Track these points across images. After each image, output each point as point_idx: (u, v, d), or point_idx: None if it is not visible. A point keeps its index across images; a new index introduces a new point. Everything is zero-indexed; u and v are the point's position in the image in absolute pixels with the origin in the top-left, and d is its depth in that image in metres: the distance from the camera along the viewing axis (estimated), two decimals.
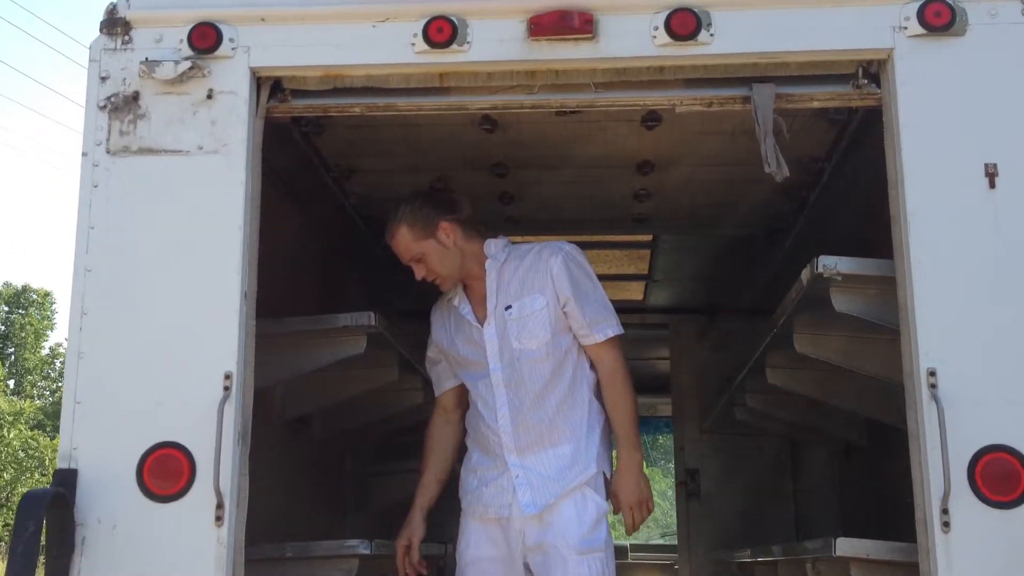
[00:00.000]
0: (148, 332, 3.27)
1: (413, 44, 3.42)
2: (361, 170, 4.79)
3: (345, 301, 6.38)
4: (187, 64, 3.39)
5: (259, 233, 3.42)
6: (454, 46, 3.40)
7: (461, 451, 3.90)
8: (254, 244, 3.41)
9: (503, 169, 4.74)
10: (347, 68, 3.47)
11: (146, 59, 3.41)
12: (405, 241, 3.64)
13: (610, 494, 3.60)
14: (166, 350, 3.26)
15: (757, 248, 5.92)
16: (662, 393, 8.51)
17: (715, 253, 6.44)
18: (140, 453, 3.19)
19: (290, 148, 4.45)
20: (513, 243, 3.79)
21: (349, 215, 5.33)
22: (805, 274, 3.66)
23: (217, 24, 3.43)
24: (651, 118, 4.15)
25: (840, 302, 3.63)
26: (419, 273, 3.67)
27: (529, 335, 3.58)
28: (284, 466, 5.23)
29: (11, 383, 37.41)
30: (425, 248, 3.62)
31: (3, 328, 39.26)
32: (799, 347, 4.29)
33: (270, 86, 3.50)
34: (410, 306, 7.05)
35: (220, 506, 3.14)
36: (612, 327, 3.63)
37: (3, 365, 30.19)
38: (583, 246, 3.85)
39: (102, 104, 3.43)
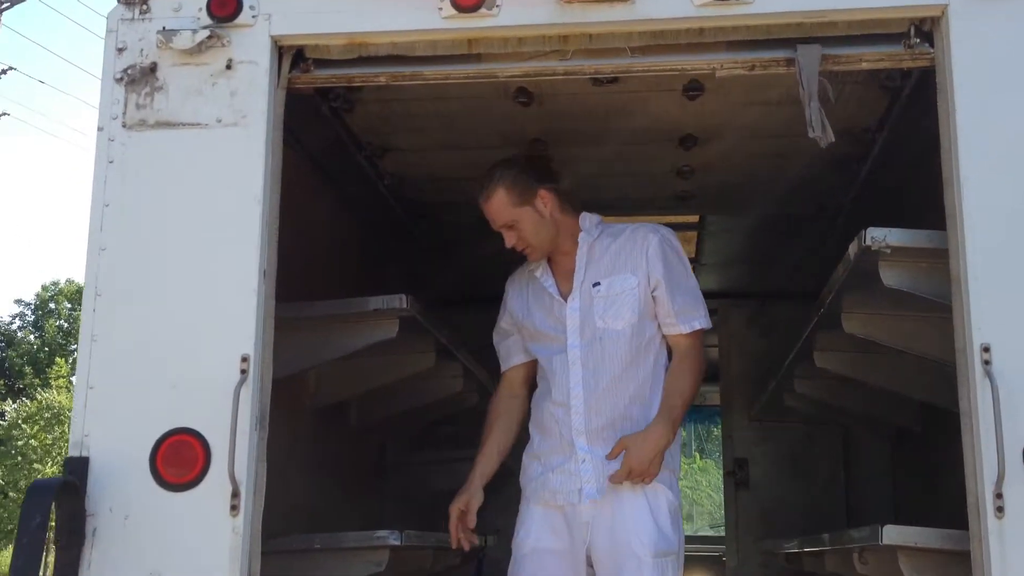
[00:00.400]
0: (163, 313, 3.16)
1: (440, 9, 3.26)
2: (394, 148, 4.65)
3: (382, 286, 6.30)
4: (205, 33, 3.26)
5: (282, 210, 3.29)
6: (483, 10, 3.24)
7: (523, 434, 3.72)
8: (274, 220, 3.28)
9: (541, 145, 4.56)
10: (371, 35, 3.32)
11: (163, 28, 3.29)
12: (501, 205, 3.49)
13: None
14: (181, 332, 3.14)
15: (808, 227, 5.69)
16: (711, 382, 8.29)
17: (764, 234, 6.21)
18: (154, 440, 3.07)
19: (321, 126, 4.33)
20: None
21: (384, 196, 5.19)
22: (853, 248, 3.45)
23: None
24: (693, 87, 3.95)
25: (890, 277, 3.42)
26: (509, 241, 3.52)
27: (615, 314, 3.43)
28: (318, 455, 5.12)
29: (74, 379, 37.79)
30: (520, 215, 3.47)
31: (67, 325, 39.79)
32: (847, 327, 4.08)
33: (292, 56, 3.36)
34: (450, 293, 7.06)
35: (236, 495, 3.01)
36: (700, 319, 3.49)
37: (66, 362, 30.55)
38: None
39: (119, 76, 3.32)
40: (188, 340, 3.13)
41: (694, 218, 6.02)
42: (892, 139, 4.34)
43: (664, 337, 3.49)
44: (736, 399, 7.62)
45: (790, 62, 3.21)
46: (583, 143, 4.52)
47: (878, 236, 3.33)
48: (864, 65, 3.27)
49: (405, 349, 4.90)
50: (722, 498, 8.10)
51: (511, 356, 3.74)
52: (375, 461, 6.33)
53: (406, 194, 5.21)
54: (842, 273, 3.73)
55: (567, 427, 3.43)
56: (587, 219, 3.59)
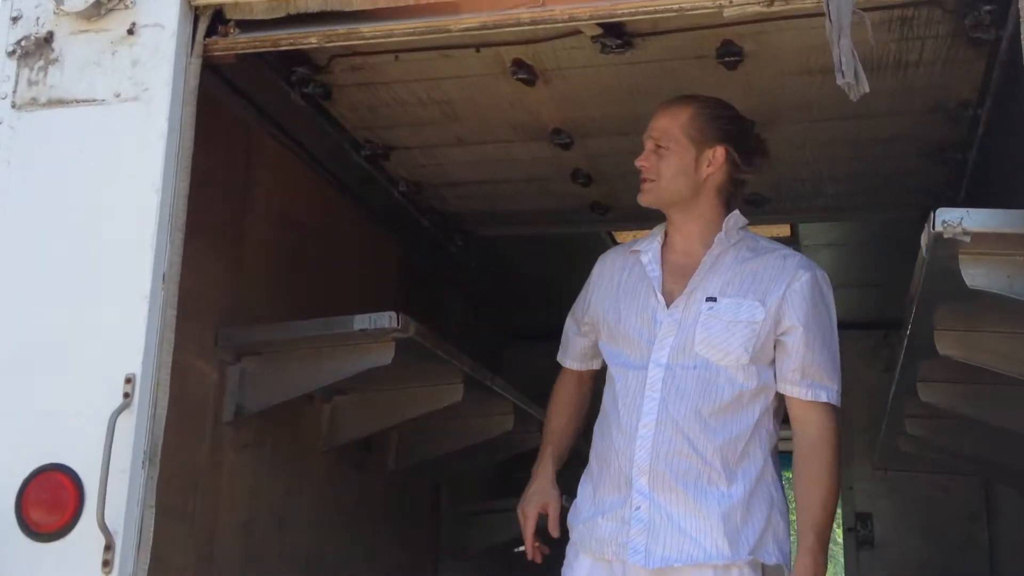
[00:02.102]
0: (41, 325, 2.59)
1: None
2: (397, 146, 4.04)
3: (436, 316, 5.71)
4: None
5: (305, 229, 2.73)
6: None
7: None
8: (180, 213, 2.69)
9: (565, 137, 3.87)
10: None
11: None
12: (676, 121, 2.73)
13: None
14: (60, 348, 2.57)
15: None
16: None
17: (875, 247, 5.33)
18: (20, 479, 2.50)
19: (306, 122, 3.76)
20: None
21: (405, 208, 4.59)
22: (924, 239, 2.61)
23: None
24: (728, 52, 3.20)
25: (974, 275, 2.55)
26: (646, 159, 2.74)
27: (720, 345, 2.63)
28: (342, 501, 4.51)
29: None
30: (680, 145, 2.71)
31: None
32: (942, 349, 3.18)
33: (210, 16, 2.79)
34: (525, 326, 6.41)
35: (108, 547, 2.41)
36: (831, 392, 2.67)
37: None
38: None
39: (11, 49, 2.81)
40: (66, 357, 2.56)
41: (783, 229, 5.19)
42: (1000, 114, 3.45)
43: (780, 403, 2.70)
44: (857, 445, 6.63)
45: None
46: (614, 133, 3.81)
47: (952, 219, 2.47)
48: None
49: (431, 379, 4.28)
50: (842, 558, 7.13)
51: (579, 357, 2.97)
52: (427, 508, 5.68)
53: (430, 204, 4.61)
54: (920, 275, 2.87)
55: (628, 460, 2.62)
56: (733, 219, 2.76)
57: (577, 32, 3.11)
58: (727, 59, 3.21)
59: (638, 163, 2.74)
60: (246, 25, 2.80)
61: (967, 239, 2.47)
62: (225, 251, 3.69)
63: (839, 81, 2.33)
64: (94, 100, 2.72)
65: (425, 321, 3.80)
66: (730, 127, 2.78)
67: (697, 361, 2.61)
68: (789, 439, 2.78)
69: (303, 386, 3.78)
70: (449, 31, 2.68)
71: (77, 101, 2.73)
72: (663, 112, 2.77)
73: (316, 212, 4.25)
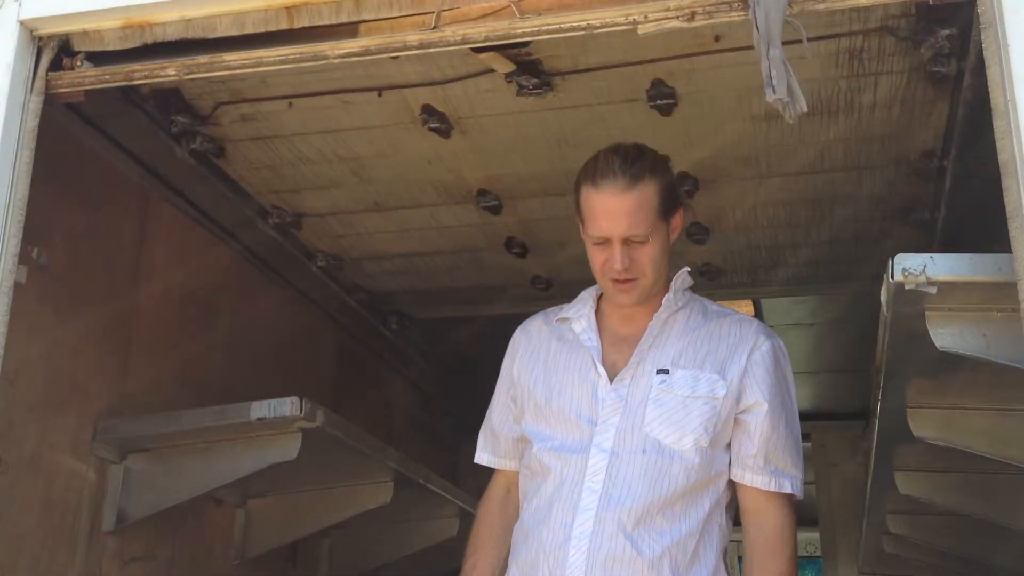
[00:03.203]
0: None
1: None
2: (309, 214, 3.65)
3: (384, 418, 5.26)
4: None
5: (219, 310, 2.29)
6: None
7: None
8: (6, 275, 2.28)
9: (493, 199, 3.49)
10: (154, 10, 2.35)
11: None
12: (646, 204, 2.23)
13: None
14: None
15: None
16: (809, 526, 6.83)
17: (847, 326, 4.93)
18: None
19: (202, 183, 3.38)
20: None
21: (332, 289, 4.19)
22: (883, 293, 2.21)
23: None
24: (660, 93, 2.84)
25: (944, 336, 2.16)
26: (623, 262, 2.22)
27: (676, 425, 2.23)
28: None
29: None
30: (658, 231, 2.26)
31: None
32: (917, 430, 2.77)
33: (54, 48, 2.42)
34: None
35: None
36: (794, 482, 2.29)
37: None
38: None
39: None
40: None
41: (744, 307, 4.79)
42: (968, 165, 3.08)
43: (732, 494, 2.31)
44: (840, 547, 6.17)
45: (744, 4, 2.07)
46: (540, 193, 3.43)
47: (913, 267, 2.09)
48: (864, 0, 2.08)
49: (351, 479, 3.83)
50: None
51: (507, 454, 2.48)
52: None
53: (354, 281, 4.20)
54: (884, 340, 2.47)
55: (559, 566, 2.17)
56: (681, 278, 2.38)
57: (489, 71, 2.76)
58: (660, 102, 2.85)
59: (620, 267, 2.23)
60: (96, 58, 2.43)
61: (933, 290, 2.08)
62: (110, 331, 3.27)
63: (769, 98, 1.96)
64: None
65: (365, 413, 3.38)
66: (672, 176, 2.39)
67: (647, 445, 2.21)
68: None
69: (197, 486, 3.31)
70: (327, 58, 2.30)
71: None
72: (626, 196, 2.22)
73: (225, 287, 3.84)
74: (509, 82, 2.78)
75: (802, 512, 6.90)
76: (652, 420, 2.22)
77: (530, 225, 3.69)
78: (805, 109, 1.96)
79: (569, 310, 2.42)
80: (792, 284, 4.16)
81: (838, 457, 6.26)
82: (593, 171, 2.26)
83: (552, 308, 2.49)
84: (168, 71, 2.38)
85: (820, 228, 3.64)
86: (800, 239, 3.75)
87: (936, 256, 2.07)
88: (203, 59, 2.35)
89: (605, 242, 2.23)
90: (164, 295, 3.52)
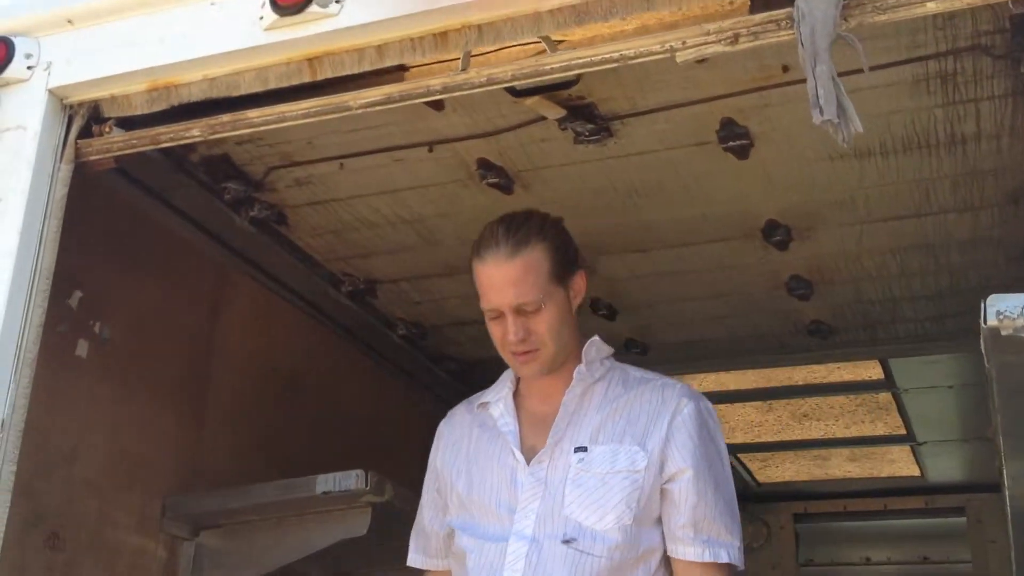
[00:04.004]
0: None
1: (261, 18, 2.17)
2: (382, 280, 3.52)
3: None
4: None
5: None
6: (313, 8, 2.11)
7: None
8: (29, 346, 2.19)
9: None
10: (178, 71, 2.27)
11: None
12: (532, 271, 2.13)
13: None
14: None
15: None
16: None
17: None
18: None
19: (273, 252, 3.30)
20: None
21: (418, 360, 4.05)
22: (982, 342, 1.89)
23: (9, 37, 2.37)
24: (732, 133, 2.59)
25: None
26: (517, 333, 2.11)
27: (596, 504, 2.10)
28: None
29: None
30: (553, 296, 2.14)
31: None
32: None
33: (84, 116, 2.36)
34: None
35: None
36: (731, 550, 2.12)
37: None
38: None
39: None
40: None
41: (873, 369, 4.39)
42: None
43: (668, 569, 2.13)
44: None
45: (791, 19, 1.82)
46: (620, 250, 3.21)
47: (1009, 309, 1.77)
48: (932, 7, 1.81)
49: None
50: None
51: (438, 552, 2.34)
52: None
53: (441, 350, 4.03)
54: (994, 398, 2.12)
55: None
56: (594, 347, 2.23)
57: (540, 119, 2.57)
58: (733, 143, 2.61)
59: (516, 338, 2.10)
60: (125, 124, 2.36)
61: None
62: (182, 405, 3.21)
63: (816, 120, 1.70)
64: None
65: None
66: (566, 237, 2.25)
67: (568, 528, 2.08)
68: None
69: (269, 562, 3.20)
70: (349, 108, 2.16)
71: None
72: (509, 265, 2.12)
73: (306, 358, 3.74)
74: (564, 129, 2.59)
75: None
76: (571, 502, 2.10)
77: (615, 285, 3.47)
78: (860, 129, 1.69)
79: (489, 394, 2.30)
80: (916, 341, 3.78)
81: (996, 533, 5.67)
82: (479, 243, 2.18)
83: (477, 394, 2.35)
84: (193, 132, 2.29)
85: (938, 277, 3.29)
86: (917, 290, 3.40)
87: None
88: (226, 117, 2.26)
89: (499, 315, 2.12)
90: (240, 367, 3.44)
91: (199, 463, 3.24)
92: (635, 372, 2.26)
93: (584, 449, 2.13)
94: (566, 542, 2.07)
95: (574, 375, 2.17)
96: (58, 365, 2.74)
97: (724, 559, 2.09)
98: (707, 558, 2.08)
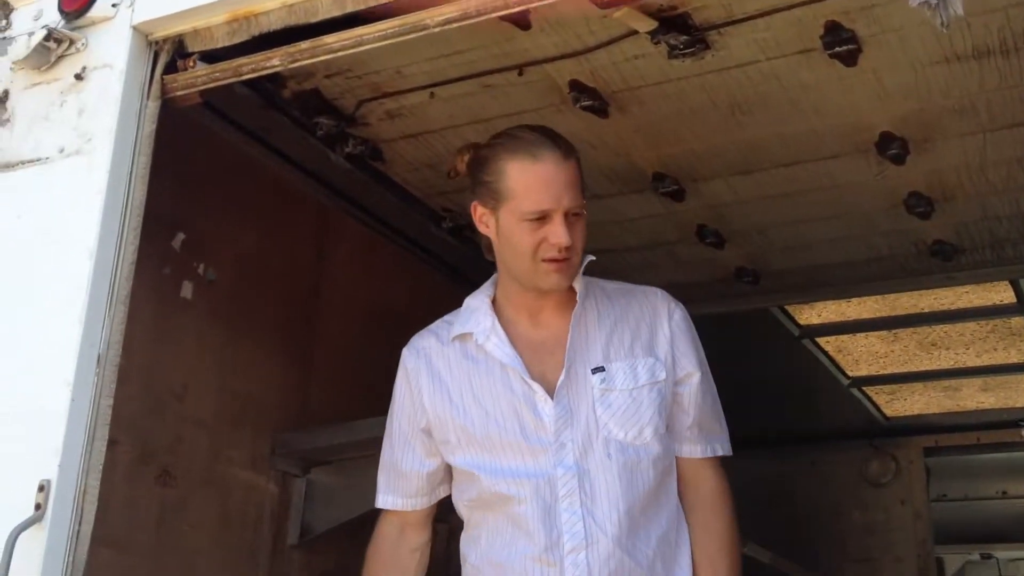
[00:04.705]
0: None
1: None
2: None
3: None
4: (42, 34, 2.36)
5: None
6: None
7: None
8: (124, 282, 2.21)
9: (672, 184, 3.16)
10: (256, 0, 2.24)
11: (2, 37, 2.44)
12: (579, 178, 2.12)
13: None
14: None
15: None
16: None
17: None
18: None
19: (372, 190, 3.29)
20: None
21: None
22: None
23: None
24: (838, 38, 2.43)
25: None
26: (567, 238, 2.05)
27: (632, 421, 2.09)
28: None
29: None
30: (583, 209, 2.13)
31: None
32: None
33: (170, 51, 2.36)
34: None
35: None
36: (725, 442, 2.26)
37: None
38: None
39: None
40: None
41: (1004, 292, 4.16)
42: None
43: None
44: None
45: None
46: (724, 173, 3.07)
47: None
48: None
49: None
50: None
51: (418, 491, 2.25)
52: None
53: None
54: None
55: None
56: (584, 263, 2.17)
57: (632, 33, 2.46)
58: (839, 48, 2.44)
59: (565, 244, 2.04)
60: (208, 58, 2.35)
61: None
62: (290, 345, 3.24)
63: (912, 1, 1.56)
64: (38, 159, 2.34)
65: None
66: None
67: (611, 448, 2.08)
68: None
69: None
70: (427, 27, 2.10)
71: (23, 163, 2.35)
72: (563, 169, 2.07)
73: (411, 296, 3.74)
74: (657, 43, 2.47)
75: None
76: (607, 422, 2.09)
77: (720, 211, 3.34)
78: (960, 12, 1.55)
79: (464, 324, 2.19)
80: None
81: None
82: (519, 145, 2.09)
83: (435, 325, 2.26)
84: (273, 61, 2.26)
85: None
86: None
87: None
88: (305, 44, 2.22)
89: (543, 218, 2.04)
90: (345, 307, 3.46)
91: (307, 403, 3.28)
92: (607, 284, 2.25)
93: (602, 369, 2.11)
94: (614, 462, 2.06)
95: (578, 295, 2.13)
96: (165, 306, 2.81)
97: (720, 452, 2.21)
98: (708, 453, 2.19)
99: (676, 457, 2.18)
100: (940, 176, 3.04)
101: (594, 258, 2.16)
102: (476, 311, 2.20)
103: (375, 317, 3.56)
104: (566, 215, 2.05)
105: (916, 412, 5.66)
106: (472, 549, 2.16)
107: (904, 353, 4.90)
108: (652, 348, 2.15)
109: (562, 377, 2.08)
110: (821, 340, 4.77)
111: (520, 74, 2.64)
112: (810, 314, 4.50)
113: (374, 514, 3.15)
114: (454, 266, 3.80)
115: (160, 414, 2.76)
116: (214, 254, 2.98)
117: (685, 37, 2.43)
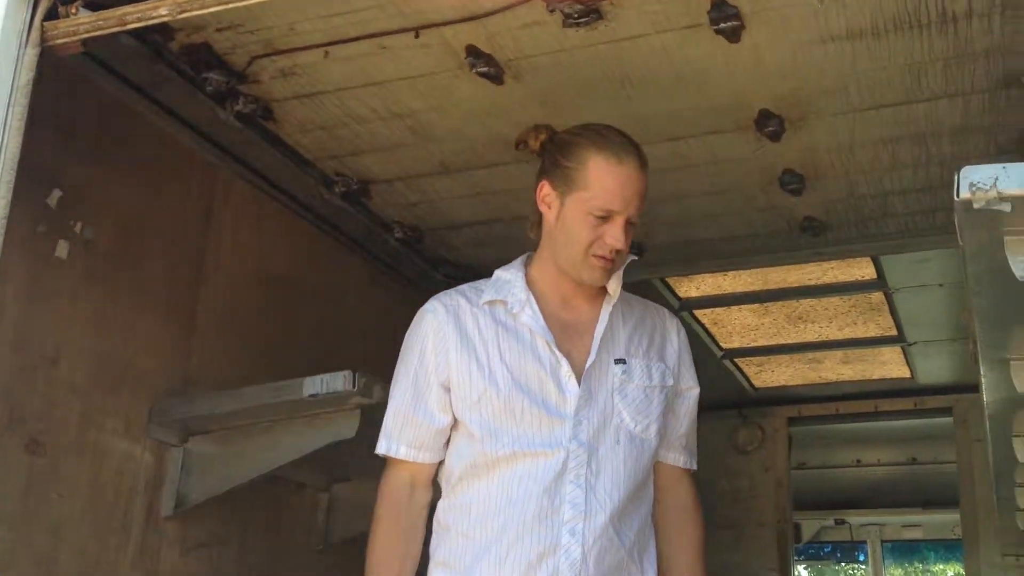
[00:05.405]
0: None
1: None
2: (376, 180, 3.48)
3: None
4: None
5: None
6: None
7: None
8: None
9: None
10: None
11: None
12: (646, 190, 2.29)
13: None
14: None
15: None
16: (946, 507, 6.35)
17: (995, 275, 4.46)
18: None
19: (263, 150, 3.26)
20: None
21: (412, 261, 4.03)
22: (956, 217, 1.87)
23: None
24: (723, 14, 2.53)
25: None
26: (622, 242, 2.24)
27: (642, 415, 2.31)
28: None
29: None
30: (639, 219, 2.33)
31: None
32: (1018, 384, 2.41)
33: None
34: None
35: None
36: (695, 458, 2.53)
37: None
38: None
39: None
40: None
41: (866, 268, 4.39)
42: None
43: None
44: (983, 528, 5.65)
45: None
46: None
47: (982, 180, 1.75)
48: None
49: None
50: None
51: (430, 445, 2.31)
52: None
53: (439, 254, 4.01)
54: (967, 278, 2.12)
55: (562, 558, 2.14)
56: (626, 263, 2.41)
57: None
58: (724, 25, 2.55)
59: (609, 252, 2.24)
60: (92, 6, 2.32)
61: (1007, 208, 1.74)
62: (172, 310, 3.16)
63: None
64: None
65: None
66: None
67: (621, 435, 2.26)
68: None
69: (258, 467, 3.16)
70: None
71: None
72: (639, 177, 2.26)
73: (302, 262, 3.71)
74: (552, 11, 2.54)
75: (944, 493, 6.43)
76: (622, 410, 2.26)
77: None
78: None
79: (499, 291, 2.33)
80: (907, 236, 3.76)
81: (981, 432, 5.73)
82: (607, 143, 2.25)
83: (463, 286, 2.40)
84: (160, 11, 2.27)
85: (929, 169, 3.26)
86: (908, 183, 3.37)
87: (1010, 166, 1.73)
88: None
89: (607, 217, 2.21)
90: (232, 271, 3.39)
91: (190, 369, 3.20)
92: (625, 293, 2.42)
93: (623, 361, 2.29)
94: (622, 447, 2.23)
95: (611, 291, 2.32)
96: (38, 266, 2.69)
97: (694, 466, 2.47)
98: (690, 465, 2.45)
99: (660, 464, 2.39)
100: (812, 154, 3.20)
101: (636, 257, 2.38)
102: (509, 283, 2.33)
103: (263, 282, 3.52)
104: (626, 220, 2.21)
105: (782, 383, 5.92)
106: (462, 518, 2.22)
107: (773, 326, 5.13)
108: (664, 356, 2.37)
109: (591, 359, 2.25)
110: (698, 312, 4.94)
111: (417, 36, 2.67)
112: (689, 287, 4.67)
113: (252, 485, 3.16)
114: (346, 232, 3.80)
115: (31, 379, 2.65)
116: (93, 212, 2.87)
117: (579, 6, 2.50)
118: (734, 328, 5.13)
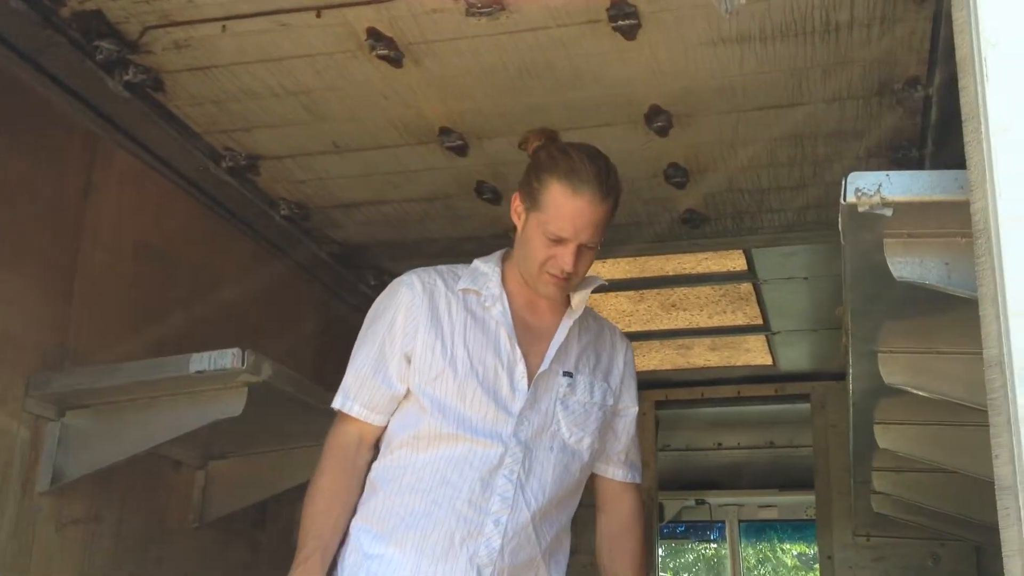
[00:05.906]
0: None
1: None
2: (265, 156, 3.46)
3: None
4: None
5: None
6: None
7: None
8: None
9: (457, 139, 3.30)
10: None
11: None
12: (607, 217, 2.35)
13: None
14: None
15: None
16: (804, 488, 6.67)
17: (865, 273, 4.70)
18: None
19: (149, 121, 3.20)
20: None
21: (296, 238, 4.01)
22: (840, 219, 2.01)
23: None
24: (621, 12, 2.62)
25: (902, 265, 1.98)
26: (571, 266, 2.30)
27: (579, 428, 2.42)
28: None
29: None
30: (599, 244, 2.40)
31: None
32: (888, 376, 2.58)
33: None
34: None
35: None
36: (640, 472, 2.65)
37: None
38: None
39: None
40: None
41: (738, 260, 4.58)
42: (952, 94, 2.85)
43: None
44: (836, 509, 5.97)
45: None
46: (507, 132, 3.21)
47: (867, 186, 1.90)
48: None
49: (317, 439, 3.67)
50: None
51: (382, 408, 2.39)
52: None
53: (325, 232, 4.01)
54: (847, 275, 2.26)
55: (481, 543, 2.26)
56: (592, 280, 2.52)
57: None
58: (622, 23, 2.64)
59: (570, 269, 2.30)
60: None
61: (888, 212, 1.88)
62: (50, 281, 3.07)
63: None
64: None
65: None
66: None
67: (555, 442, 2.37)
68: None
69: (138, 444, 3.10)
70: None
71: None
72: (595, 209, 2.29)
73: (183, 237, 3.64)
74: (456, 0, 2.58)
75: (800, 475, 6.74)
76: (561, 419, 2.37)
77: (499, 169, 3.50)
78: (743, 1, 1.75)
79: (475, 282, 2.41)
80: (779, 231, 3.94)
81: (837, 417, 6.04)
82: (570, 172, 2.28)
83: (441, 267, 2.45)
84: None
85: (803, 168, 3.43)
86: (784, 181, 3.54)
87: (892, 174, 1.88)
88: None
89: (560, 242, 2.28)
90: (112, 243, 3.32)
91: (68, 341, 3.11)
92: (589, 311, 2.53)
93: (570, 375, 2.40)
94: (554, 455, 2.34)
95: (574, 306, 2.42)
96: None
97: (638, 480, 2.59)
98: (630, 479, 2.56)
99: (600, 479, 2.54)
100: (697, 150, 3.33)
101: (606, 282, 2.52)
102: (486, 276, 2.42)
103: (144, 254, 3.45)
104: (579, 246, 2.28)
105: (652, 367, 6.11)
106: (392, 483, 2.31)
107: (648, 312, 5.29)
108: (608, 376, 2.48)
109: (543, 366, 2.35)
110: None
111: (319, 16, 2.67)
112: None
113: (130, 461, 3.11)
114: (230, 208, 3.75)
115: None
116: None
117: (483, 8, 2.55)
118: (610, 314, 5.27)
